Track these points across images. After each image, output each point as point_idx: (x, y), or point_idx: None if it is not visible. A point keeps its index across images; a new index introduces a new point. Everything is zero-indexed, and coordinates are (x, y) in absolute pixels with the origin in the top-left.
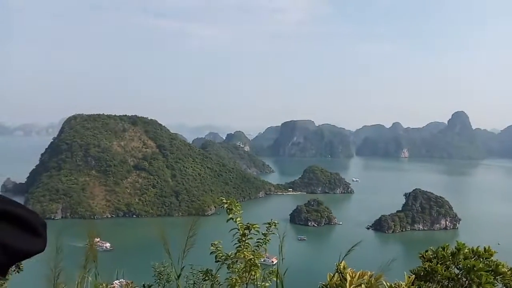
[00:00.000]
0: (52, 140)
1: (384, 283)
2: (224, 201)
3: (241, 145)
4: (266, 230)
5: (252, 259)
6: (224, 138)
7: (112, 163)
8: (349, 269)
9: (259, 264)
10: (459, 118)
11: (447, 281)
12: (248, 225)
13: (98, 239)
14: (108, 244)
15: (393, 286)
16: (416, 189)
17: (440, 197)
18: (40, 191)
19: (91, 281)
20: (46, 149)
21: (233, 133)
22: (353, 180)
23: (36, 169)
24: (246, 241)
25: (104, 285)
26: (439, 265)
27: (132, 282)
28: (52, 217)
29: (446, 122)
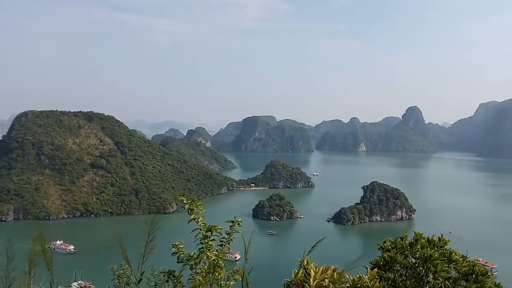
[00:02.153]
0: (1, 138)
1: (348, 277)
2: (185, 201)
3: (202, 141)
4: (230, 229)
5: (216, 260)
6: (185, 134)
7: (67, 161)
8: (313, 264)
9: (223, 265)
10: (412, 113)
11: (405, 270)
12: (210, 227)
13: (61, 241)
14: (72, 247)
15: (356, 280)
16: (373, 182)
17: (396, 189)
18: None
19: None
20: None
21: (194, 129)
22: (313, 174)
23: None
24: (209, 242)
25: None
26: (398, 255)
27: (90, 286)
28: (3, 219)
29: (401, 117)
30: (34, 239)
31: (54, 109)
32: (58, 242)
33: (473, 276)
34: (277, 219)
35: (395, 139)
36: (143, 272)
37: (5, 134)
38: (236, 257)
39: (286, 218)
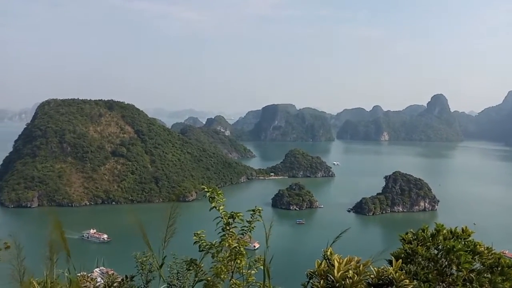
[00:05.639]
0: (25, 126)
1: (372, 269)
2: (206, 189)
3: (221, 130)
4: (251, 217)
5: (237, 247)
6: (204, 122)
7: (89, 149)
8: (336, 255)
9: (244, 252)
10: (438, 101)
11: (427, 262)
12: (232, 213)
13: (94, 230)
14: (105, 236)
15: (380, 271)
16: (395, 171)
17: (419, 179)
18: (14, 178)
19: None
20: (19, 135)
21: (213, 117)
22: (334, 164)
23: (9, 156)
24: (231, 230)
25: (82, 275)
26: (419, 247)
27: (112, 272)
28: (28, 205)
29: (426, 105)
30: (52, 227)
31: (76, 98)
32: (91, 231)
33: (499, 268)
34: (297, 208)
35: (419, 128)
36: (165, 257)
37: (29, 122)
38: (255, 246)
39: (306, 207)
